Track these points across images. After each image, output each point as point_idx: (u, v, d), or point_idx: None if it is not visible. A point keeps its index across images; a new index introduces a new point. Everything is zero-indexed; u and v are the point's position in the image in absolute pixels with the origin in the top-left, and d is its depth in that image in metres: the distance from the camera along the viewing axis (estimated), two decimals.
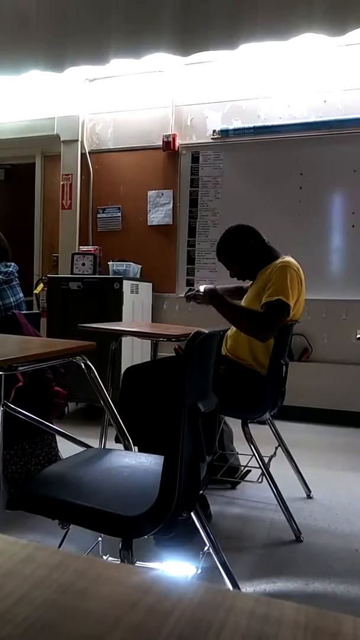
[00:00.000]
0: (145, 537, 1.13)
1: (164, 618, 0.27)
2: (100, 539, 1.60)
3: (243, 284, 2.54)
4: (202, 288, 2.23)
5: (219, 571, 1.44)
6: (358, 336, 2.23)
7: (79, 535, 1.32)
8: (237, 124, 4.15)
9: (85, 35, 3.63)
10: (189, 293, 2.27)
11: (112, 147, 4.56)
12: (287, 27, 3.20)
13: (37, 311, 4.25)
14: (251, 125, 4.09)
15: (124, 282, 3.78)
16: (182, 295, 2.36)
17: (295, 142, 3.98)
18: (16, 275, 2.77)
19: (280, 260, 2.22)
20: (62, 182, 4.66)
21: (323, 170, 3.92)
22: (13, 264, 2.79)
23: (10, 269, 2.71)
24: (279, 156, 4.03)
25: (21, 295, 2.75)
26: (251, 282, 2.36)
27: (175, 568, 1.71)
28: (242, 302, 2.33)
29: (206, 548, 1.45)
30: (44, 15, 3.73)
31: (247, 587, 1.64)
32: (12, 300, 2.66)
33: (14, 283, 2.73)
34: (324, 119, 3.91)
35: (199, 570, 1.59)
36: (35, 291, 4.52)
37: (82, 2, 3.63)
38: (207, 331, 1.13)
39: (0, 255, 2.74)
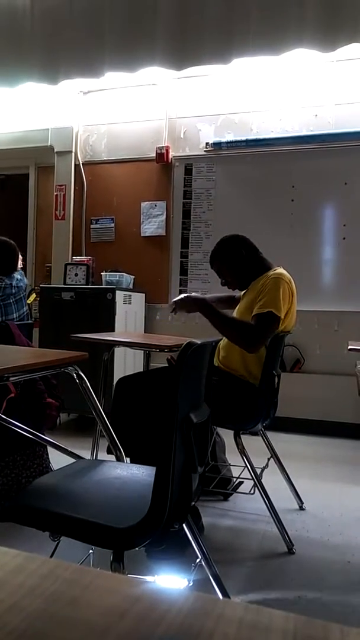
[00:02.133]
0: (137, 549, 1.12)
1: (154, 626, 0.28)
2: (91, 551, 1.59)
3: (234, 293, 2.56)
4: (181, 296, 2.24)
5: (211, 583, 1.43)
6: (350, 347, 2.24)
7: (70, 547, 1.31)
8: (229, 136, 4.19)
9: (80, 48, 3.67)
10: (174, 299, 2.26)
11: (105, 159, 4.59)
12: (279, 42, 3.26)
13: (30, 321, 4.24)
14: (244, 138, 4.13)
15: (117, 292, 3.78)
16: (169, 306, 2.34)
17: (287, 155, 4.03)
18: (24, 288, 2.83)
19: (273, 271, 2.23)
20: (55, 193, 4.67)
21: (315, 183, 3.97)
22: (22, 277, 2.82)
23: (21, 284, 2.76)
24: (271, 169, 4.07)
25: (25, 309, 2.80)
26: (243, 292, 2.38)
27: (167, 580, 1.70)
28: (235, 313, 2.34)
29: (198, 560, 1.45)
30: (38, 28, 3.77)
31: (239, 599, 1.63)
32: (15, 316, 2.71)
33: (21, 296, 2.78)
34: (316, 132, 3.96)
35: (191, 583, 1.58)
36: (28, 301, 4.51)
37: (77, 15, 3.67)
38: (199, 342, 1.13)
39: (8, 266, 2.78)
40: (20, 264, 2.95)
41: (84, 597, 0.30)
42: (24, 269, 4.72)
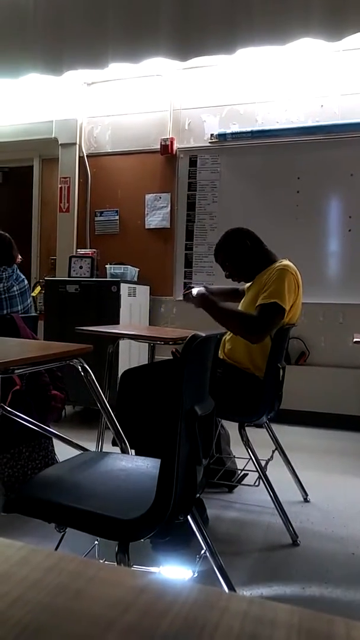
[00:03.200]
0: (142, 540, 1.13)
1: (159, 619, 0.28)
2: (96, 542, 1.60)
3: (238, 286, 2.55)
4: (194, 291, 2.25)
5: (216, 575, 1.43)
6: (355, 340, 2.23)
7: (76, 538, 1.32)
8: (234, 128, 4.16)
9: (84, 39, 3.64)
10: (186, 292, 2.30)
11: (110, 151, 4.57)
12: (284, 32, 3.22)
13: (35, 314, 4.26)
14: (249, 129, 4.10)
15: (122, 285, 3.78)
16: (180, 297, 2.40)
17: (293, 147, 3.99)
18: (27, 283, 2.89)
19: (278, 263, 2.22)
20: (60, 185, 4.66)
21: (320, 174, 3.94)
22: (19, 273, 2.87)
23: (25, 283, 2.82)
24: (276, 160, 4.04)
25: (30, 301, 2.84)
26: (248, 284, 2.37)
27: (171, 572, 1.71)
28: (240, 305, 2.34)
29: (203, 552, 1.45)
30: (42, 19, 3.74)
31: (243, 591, 1.64)
32: (20, 308, 2.74)
33: (26, 288, 2.83)
34: (321, 123, 3.92)
35: (196, 574, 1.59)
36: (33, 294, 4.52)
37: (80, 6, 3.64)
38: (204, 334, 1.13)
39: (5, 259, 2.80)
40: (18, 258, 2.96)
41: (88, 589, 0.30)
42: (28, 261, 4.74)
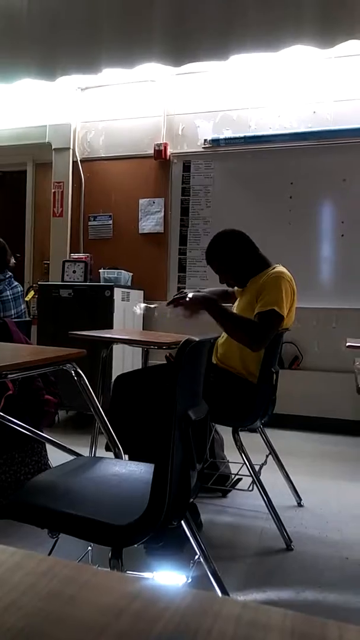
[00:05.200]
0: (136, 546, 1.13)
1: (152, 624, 0.28)
2: (90, 548, 1.59)
3: (228, 288, 2.52)
4: (190, 295, 2.16)
5: (210, 580, 1.43)
6: (348, 344, 2.24)
7: (69, 544, 1.31)
8: (228, 133, 4.18)
9: (77, 44, 3.65)
10: (176, 295, 2.19)
11: (103, 156, 4.57)
12: (277, 38, 3.24)
13: (28, 318, 4.25)
14: (242, 135, 4.12)
15: (115, 289, 3.78)
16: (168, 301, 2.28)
17: (286, 152, 4.02)
18: (21, 289, 2.90)
19: (272, 269, 2.21)
20: (53, 190, 4.66)
21: (313, 179, 3.96)
22: (12, 279, 2.88)
23: (19, 289, 2.83)
24: (269, 166, 4.07)
25: (23, 306, 2.84)
26: (241, 289, 2.35)
27: (165, 577, 1.71)
28: (234, 310, 2.33)
29: (197, 557, 1.45)
30: (36, 24, 3.75)
31: (238, 596, 1.64)
32: (13, 313, 2.74)
33: (19, 295, 2.84)
34: (314, 129, 3.95)
35: (190, 580, 1.58)
36: (26, 298, 4.51)
37: (74, 11, 3.65)
38: (197, 339, 1.13)
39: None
40: (12, 262, 2.96)
41: (81, 595, 0.30)
42: (21, 265, 4.73)
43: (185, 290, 2.26)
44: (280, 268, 2.22)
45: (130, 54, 3.55)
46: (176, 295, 2.22)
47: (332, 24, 3.13)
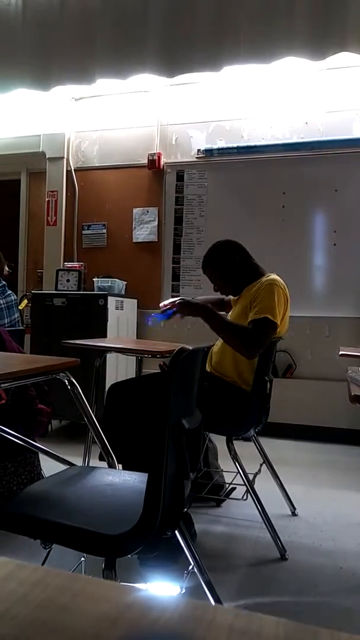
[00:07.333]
0: (129, 556, 1.12)
1: (145, 633, 0.28)
2: (83, 559, 1.58)
3: (223, 296, 2.54)
4: (178, 299, 2.18)
5: (204, 590, 1.42)
6: (341, 353, 2.25)
7: (62, 555, 1.30)
8: (221, 143, 4.22)
9: (71, 55, 3.69)
10: (166, 302, 2.20)
11: (97, 165, 4.59)
12: (269, 50, 3.29)
13: (21, 327, 4.23)
14: (235, 145, 4.16)
15: (109, 298, 3.78)
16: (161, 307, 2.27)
17: (278, 162, 4.05)
18: (14, 298, 2.90)
19: (266, 277, 2.23)
20: (47, 199, 4.67)
21: (305, 189, 4.00)
22: (6, 288, 2.88)
23: (12, 297, 2.84)
24: (262, 175, 4.10)
25: (17, 315, 2.84)
26: (236, 297, 2.37)
27: (159, 588, 1.69)
28: (229, 317, 2.34)
29: (190, 567, 1.44)
30: (30, 35, 3.78)
31: (232, 606, 1.62)
32: (6, 322, 2.74)
33: (12, 303, 2.84)
34: (306, 140, 3.99)
35: (184, 590, 1.57)
36: (20, 307, 4.50)
37: (68, 23, 3.69)
38: (191, 348, 1.13)
39: None
40: (6, 270, 2.96)
41: (74, 604, 0.30)
42: (15, 274, 4.72)
43: (179, 298, 2.26)
44: (273, 276, 2.24)
45: (124, 65, 3.58)
46: (167, 301, 2.22)
47: (324, 36, 3.18)
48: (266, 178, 4.08)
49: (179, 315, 2.19)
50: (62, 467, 1.50)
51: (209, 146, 4.23)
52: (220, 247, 2.35)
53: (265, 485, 2.31)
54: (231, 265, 2.30)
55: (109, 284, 4.10)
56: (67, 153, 4.62)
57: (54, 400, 2.40)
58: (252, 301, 2.14)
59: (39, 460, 2.22)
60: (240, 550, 2.03)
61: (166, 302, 2.21)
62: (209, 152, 4.23)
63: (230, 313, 2.40)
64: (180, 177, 4.34)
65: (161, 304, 2.24)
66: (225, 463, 2.42)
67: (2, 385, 1.35)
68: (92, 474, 1.40)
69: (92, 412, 1.69)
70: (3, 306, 2.80)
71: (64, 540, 1.06)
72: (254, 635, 0.28)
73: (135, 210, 4.45)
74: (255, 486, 2.12)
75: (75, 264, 4.38)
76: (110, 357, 3.61)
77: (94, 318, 3.75)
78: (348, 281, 3.90)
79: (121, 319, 3.97)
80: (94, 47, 3.63)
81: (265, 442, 2.45)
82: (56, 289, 4.13)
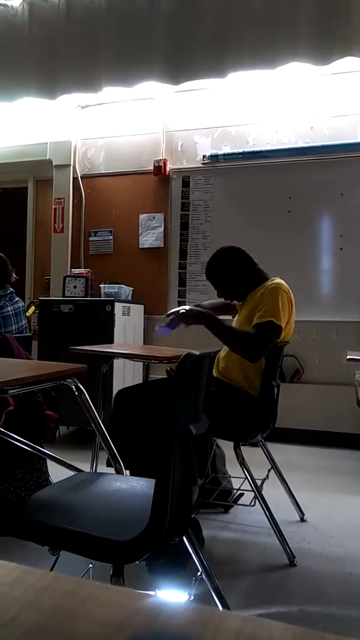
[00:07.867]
0: (137, 562, 1.12)
1: (153, 638, 0.28)
2: (91, 565, 1.57)
3: (228, 301, 2.54)
4: (186, 307, 2.23)
5: (212, 597, 1.41)
6: (348, 357, 2.24)
7: (70, 561, 1.30)
8: (226, 149, 4.23)
9: (78, 64, 3.72)
10: (172, 311, 2.24)
11: (103, 172, 4.62)
12: (273, 56, 3.30)
13: (29, 334, 4.25)
14: (240, 150, 4.17)
15: (116, 304, 3.79)
16: (164, 317, 2.32)
17: (284, 167, 4.06)
18: (22, 305, 2.92)
19: (271, 282, 2.23)
20: (54, 206, 4.70)
21: (311, 194, 4.00)
22: (14, 295, 2.90)
23: (20, 304, 2.86)
24: (267, 180, 4.10)
25: (24, 321, 2.86)
26: (241, 302, 2.37)
27: (167, 595, 1.69)
28: (234, 324, 2.34)
29: (199, 573, 1.44)
30: (37, 44, 3.82)
31: (240, 613, 1.61)
32: (14, 328, 2.76)
33: (20, 310, 2.85)
34: (311, 144, 4.00)
35: (192, 597, 1.56)
36: (27, 314, 4.52)
37: (74, 32, 3.72)
38: (198, 353, 1.13)
39: (1, 278, 2.84)
40: (13, 277, 2.98)
41: (82, 610, 0.30)
42: (22, 281, 4.75)
43: (184, 307, 2.29)
44: (278, 280, 2.24)
45: (129, 73, 3.61)
46: (171, 311, 2.25)
47: (328, 41, 3.19)
48: (272, 183, 4.09)
49: (184, 325, 2.21)
50: (70, 473, 1.50)
51: (214, 152, 4.25)
52: (223, 253, 2.35)
53: (273, 491, 2.30)
54: (234, 272, 2.30)
55: (116, 290, 4.11)
56: (73, 160, 4.65)
57: (61, 406, 2.41)
58: (256, 306, 2.15)
59: (46, 467, 2.22)
60: (249, 557, 2.02)
61: (171, 311, 2.23)
62: (214, 157, 4.24)
63: (235, 318, 2.40)
64: (186, 183, 4.35)
65: (164, 316, 2.28)
66: (232, 469, 2.41)
67: (10, 391, 1.36)
68: (100, 480, 1.40)
69: (100, 418, 1.69)
70: (11, 313, 2.82)
71: (72, 547, 1.06)
72: None
73: (141, 217, 4.47)
74: (263, 492, 2.11)
75: (82, 271, 4.39)
76: (117, 363, 3.62)
77: (101, 324, 3.76)
78: (355, 285, 3.89)
79: (128, 324, 3.97)
80: (100, 55, 3.66)
81: (272, 447, 2.44)
82: (63, 296, 4.15)
